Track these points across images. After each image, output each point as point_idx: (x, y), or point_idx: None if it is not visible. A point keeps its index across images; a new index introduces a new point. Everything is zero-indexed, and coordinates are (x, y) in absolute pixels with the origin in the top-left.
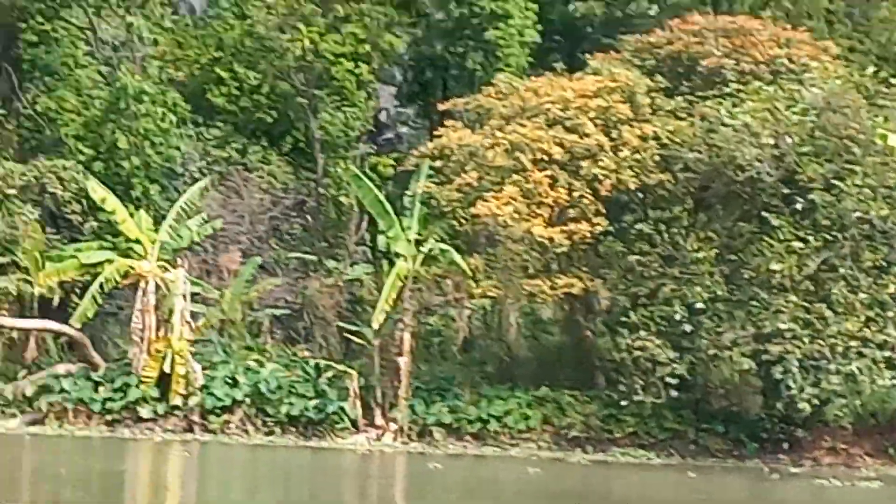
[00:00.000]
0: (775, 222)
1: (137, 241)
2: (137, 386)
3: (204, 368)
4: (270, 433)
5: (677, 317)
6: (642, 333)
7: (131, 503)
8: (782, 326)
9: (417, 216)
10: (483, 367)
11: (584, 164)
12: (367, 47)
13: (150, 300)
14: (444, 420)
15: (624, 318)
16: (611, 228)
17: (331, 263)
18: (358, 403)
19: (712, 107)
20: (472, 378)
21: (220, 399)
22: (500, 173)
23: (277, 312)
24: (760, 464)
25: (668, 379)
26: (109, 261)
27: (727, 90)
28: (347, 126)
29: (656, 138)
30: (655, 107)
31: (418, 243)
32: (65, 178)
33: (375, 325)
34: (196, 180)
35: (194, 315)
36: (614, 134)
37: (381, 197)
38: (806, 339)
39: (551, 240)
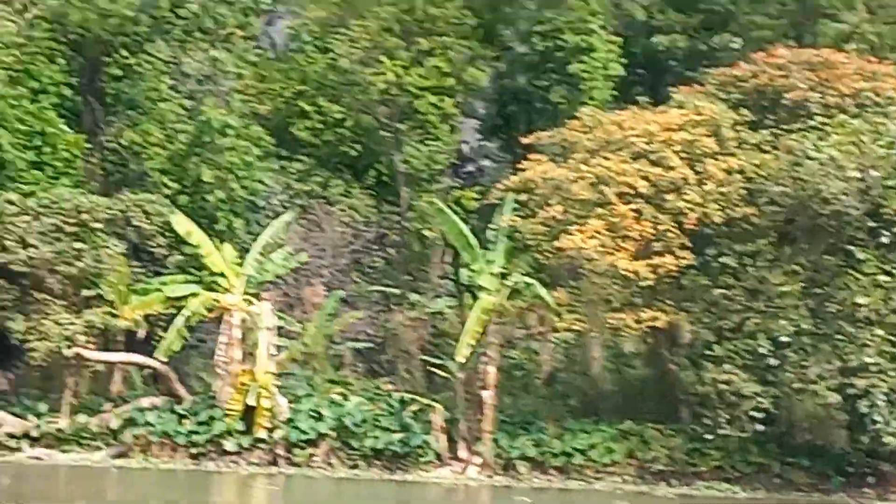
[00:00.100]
0: (861, 256)
1: (222, 275)
2: (222, 419)
3: (288, 401)
4: (355, 466)
5: (762, 350)
6: (727, 367)
7: None
8: (868, 360)
9: (502, 250)
10: (566, 401)
11: (669, 197)
12: (451, 81)
13: (236, 333)
14: (528, 453)
15: (708, 352)
16: (694, 261)
17: (414, 297)
18: (442, 437)
19: (797, 140)
20: (556, 411)
21: (304, 432)
22: (585, 207)
23: (359, 345)
24: (846, 498)
25: (752, 412)
26: (195, 294)
27: (812, 123)
28: (431, 159)
29: (741, 172)
30: (740, 140)
31: (503, 277)
32: (150, 211)
33: (460, 359)
34: (278, 214)
35: (278, 348)
36: (699, 167)
37: (466, 230)
38: (892, 373)
39: (636, 273)
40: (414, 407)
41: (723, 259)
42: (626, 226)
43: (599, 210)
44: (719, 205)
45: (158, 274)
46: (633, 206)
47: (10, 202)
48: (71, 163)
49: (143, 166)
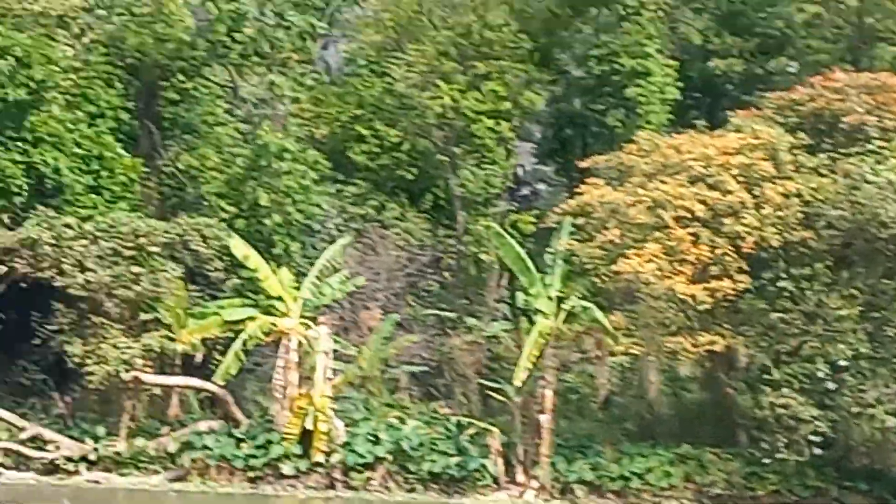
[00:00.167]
0: None
1: (279, 299)
2: (279, 443)
3: (345, 425)
4: (412, 490)
5: (820, 374)
6: (784, 391)
7: None
8: None
9: (559, 273)
10: (623, 424)
11: (727, 221)
12: (508, 105)
13: (293, 357)
14: (585, 477)
15: (766, 376)
16: (751, 285)
17: (471, 321)
18: (500, 460)
19: (855, 164)
20: (612, 435)
21: (362, 456)
22: (643, 230)
23: (415, 369)
24: None
25: (810, 437)
26: (252, 318)
27: (870, 147)
28: (487, 183)
29: (799, 195)
30: (798, 164)
31: (560, 300)
32: (207, 235)
33: (517, 383)
34: (333, 237)
35: (334, 372)
36: (757, 191)
37: (523, 254)
38: None
39: (693, 297)
40: (471, 431)
41: (780, 283)
42: (684, 249)
43: (657, 234)
44: (777, 228)
45: (214, 298)
46: (690, 229)
47: (68, 226)
48: (128, 187)
49: (199, 190)
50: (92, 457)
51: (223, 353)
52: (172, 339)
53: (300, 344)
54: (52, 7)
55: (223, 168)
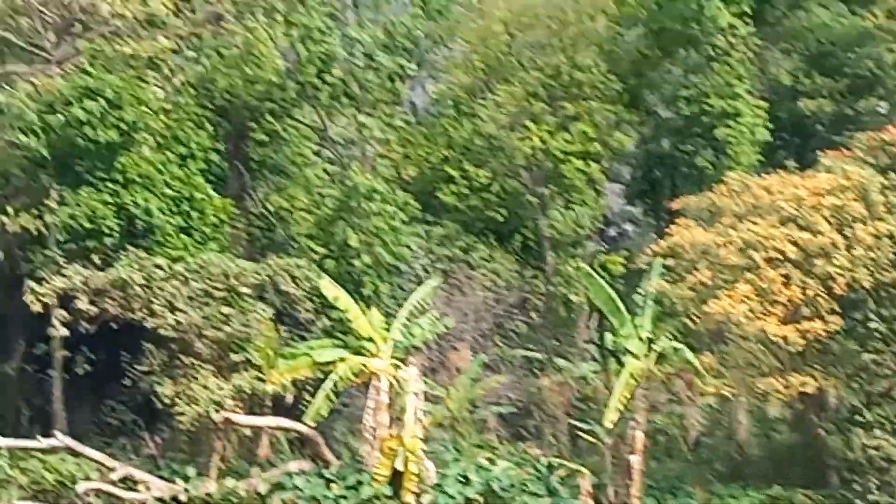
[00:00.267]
0: None
1: (369, 339)
2: (370, 484)
3: (435, 466)
4: None
5: None
6: (877, 432)
7: None
8: None
9: (650, 314)
10: (712, 466)
11: (818, 262)
12: (597, 146)
13: (383, 398)
14: None
15: (857, 417)
16: (842, 326)
17: (560, 361)
18: (590, 502)
19: None
20: (701, 476)
21: (452, 497)
22: (734, 272)
23: (502, 410)
24: None
25: None
26: (342, 359)
27: None
28: (577, 224)
29: (890, 236)
30: (889, 204)
31: (651, 341)
32: (297, 276)
33: (608, 424)
34: (419, 278)
35: (424, 413)
36: (848, 232)
37: (614, 295)
38: None
39: (785, 338)
40: (561, 472)
41: (871, 324)
42: (775, 290)
43: (748, 275)
44: (868, 269)
45: (303, 338)
46: (781, 270)
47: (159, 267)
48: (218, 228)
49: (289, 231)
50: (182, 497)
51: (313, 394)
52: (262, 380)
53: (390, 385)
54: (143, 49)
55: (312, 209)
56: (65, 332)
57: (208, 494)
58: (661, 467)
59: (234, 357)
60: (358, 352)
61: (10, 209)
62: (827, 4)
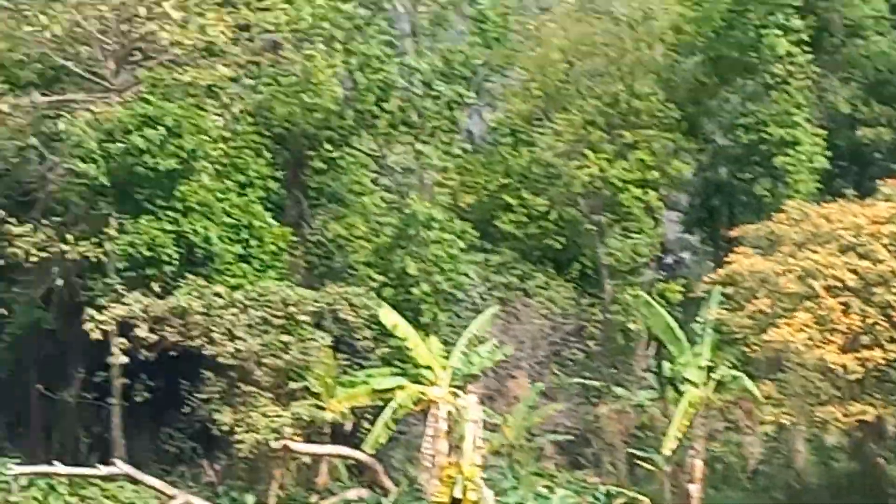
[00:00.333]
0: None
1: (428, 367)
2: None
3: (494, 494)
4: None
5: None
6: None
7: None
8: None
9: (708, 343)
10: (771, 494)
11: (878, 290)
12: (655, 174)
13: (442, 426)
14: None
15: None
16: None
17: (618, 389)
18: None
19: None
20: None
21: None
22: (793, 300)
23: (560, 438)
24: None
25: None
26: (401, 387)
27: None
28: (635, 252)
29: None
30: None
31: (710, 370)
32: (356, 304)
33: (667, 452)
34: (476, 305)
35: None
36: None
37: (673, 324)
38: None
39: (844, 367)
40: (620, 500)
41: None
42: (835, 319)
43: (807, 303)
44: None
45: (361, 366)
46: (841, 299)
47: (219, 295)
48: (277, 256)
49: (347, 259)
50: None
51: (371, 422)
52: (321, 408)
53: (449, 413)
54: (202, 77)
55: (371, 237)
56: (124, 359)
57: None
58: (720, 495)
59: (293, 385)
60: (416, 380)
61: (69, 237)
62: (885, 32)
